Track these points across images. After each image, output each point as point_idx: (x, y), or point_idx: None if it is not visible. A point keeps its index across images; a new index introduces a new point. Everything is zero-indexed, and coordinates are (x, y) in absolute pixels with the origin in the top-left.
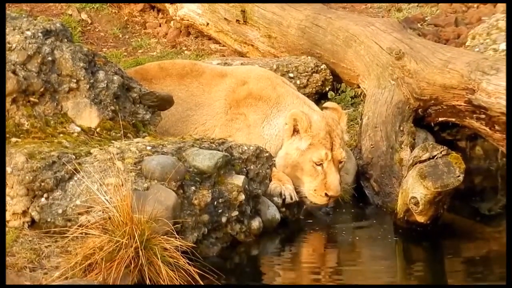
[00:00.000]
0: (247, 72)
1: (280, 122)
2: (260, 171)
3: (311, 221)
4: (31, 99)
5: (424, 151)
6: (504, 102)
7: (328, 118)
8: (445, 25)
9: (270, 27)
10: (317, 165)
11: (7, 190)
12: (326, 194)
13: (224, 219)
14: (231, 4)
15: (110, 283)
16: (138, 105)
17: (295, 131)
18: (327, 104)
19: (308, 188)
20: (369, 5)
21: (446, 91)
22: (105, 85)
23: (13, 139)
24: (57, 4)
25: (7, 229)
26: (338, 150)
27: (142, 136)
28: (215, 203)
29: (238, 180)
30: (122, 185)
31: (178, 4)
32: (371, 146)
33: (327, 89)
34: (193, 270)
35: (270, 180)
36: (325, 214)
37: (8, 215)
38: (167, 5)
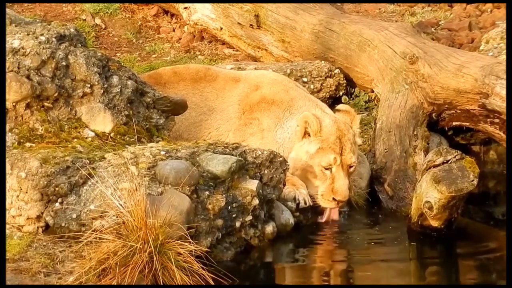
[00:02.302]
0: (260, 77)
1: (292, 124)
2: (274, 175)
3: (325, 226)
4: (45, 104)
5: (438, 156)
6: None
7: (339, 122)
8: (459, 29)
9: (283, 32)
10: (325, 169)
11: (21, 195)
12: (334, 199)
13: (238, 224)
14: (244, 9)
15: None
16: (152, 110)
17: (306, 133)
18: (340, 106)
19: (316, 193)
20: (382, 9)
21: (460, 96)
22: (119, 90)
23: (27, 144)
24: (71, 9)
25: (21, 234)
26: (348, 154)
27: (156, 140)
28: (229, 207)
29: (252, 184)
30: (136, 190)
31: (192, 9)
32: (385, 151)
33: (341, 93)
34: (207, 275)
35: (284, 185)
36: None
37: (22, 220)
38: (181, 9)
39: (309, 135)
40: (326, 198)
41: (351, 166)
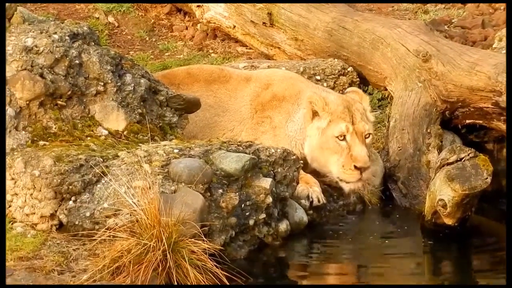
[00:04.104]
0: (270, 75)
1: (301, 114)
2: (288, 173)
3: (341, 223)
4: (59, 102)
5: (452, 154)
6: None
7: (346, 96)
8: (472, 27)
9: (296, 30)
10: (340, 140)
11: (35, 193)
12: (355, 167)
13: (251, 222)
14: (257, 7)
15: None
16: (165, 108)
17: (314, 114)
18: (348, 89)
19: (337, 168)
20: (395, 7)
21: (473, 93)
22: (132, 88)
23: (41, 142)
24: (84, 7)
25: (35, 232)
26: (359, 123)
27: (169, 139)
28: (243, 205)
29: (266, 182)
30: (150, 188)
31: (205, 7)
32: (399, 149)
33: None
34: (221, 273)
35: (298, 183)
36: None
37: (36, 218)
38: (194, 8)
39: (318, 115)
40: (347, 168)
41: (366, 137)
